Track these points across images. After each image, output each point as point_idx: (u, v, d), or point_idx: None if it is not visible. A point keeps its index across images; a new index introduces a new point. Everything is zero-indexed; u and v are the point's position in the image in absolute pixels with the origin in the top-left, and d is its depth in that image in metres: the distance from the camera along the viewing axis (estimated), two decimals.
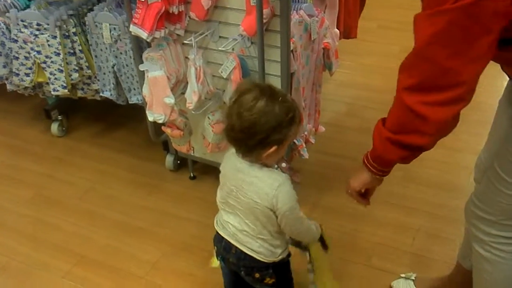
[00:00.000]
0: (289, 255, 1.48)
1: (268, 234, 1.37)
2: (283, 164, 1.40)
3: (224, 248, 1.44)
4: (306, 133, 2.08)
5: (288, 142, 1.30)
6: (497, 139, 1.30)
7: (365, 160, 1.22)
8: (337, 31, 2.14)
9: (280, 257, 1.42)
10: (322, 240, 1.50)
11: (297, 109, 1.29)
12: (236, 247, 1.40)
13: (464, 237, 1.59)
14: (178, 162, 2.41)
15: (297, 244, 1.53)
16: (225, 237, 1.43)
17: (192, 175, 2.36)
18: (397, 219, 2.07)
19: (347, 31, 2.63)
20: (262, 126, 1.21)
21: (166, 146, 2.37)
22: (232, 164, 1.35)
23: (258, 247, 1.38)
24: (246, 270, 1.44)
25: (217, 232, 1.47)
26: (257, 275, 1.44)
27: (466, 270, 1.59)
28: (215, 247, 1.50)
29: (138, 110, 2.42)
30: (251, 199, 1.31)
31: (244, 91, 1.26)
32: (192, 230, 2.07)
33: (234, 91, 1.32)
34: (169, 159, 2.39)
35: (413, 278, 1.73)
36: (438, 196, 2.18)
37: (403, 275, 1.76)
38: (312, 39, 1.87)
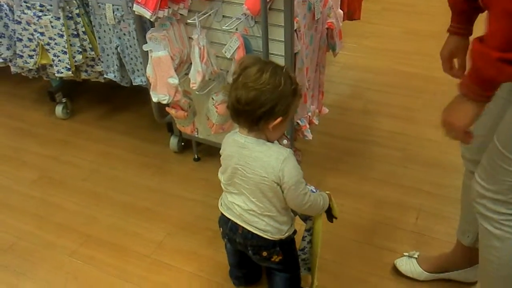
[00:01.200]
0: (294, 232, 1.50)
1: (275, 210, 1.38)
2: (284, 141, 1.41)
3: (230, 229, 1.46)
4: (309, 114, 2.09)
5: (291, 114, 1.33)
6: (493, 113, 1.27)
7: (467, 91, 1.09)
8: (341, 11, 2.13)
9: (287, 234, 1.44)
10: (329, 210, 1.50)
11: (298, 82, 1.33)
12: (243, 227, 1.42)
13: (461, 214, 1.60)
14: (183, 144, 2.42)
15: (303, 215, 1.54)
16: (231, 218, 1.44)
17: (196, 157, 2.38)
18: (398, 199, 2.09)
19: (351, 12, 2.62)
20: (268, 97, 1.25)
21: (170, 127, 2.38)
22: (235, 143, 1.36)
23: (265, 225, 1.40)
24: (253, 249, 1.46)
25: (222, 214, 1.48)
26: (264, 253, 1.46)
27: (465, 246, 1.61)
28: (221, 229, 1.52)
29: (142, 93, 2.43)
30: (258, 175, 1.32)
31: (248, 65, 1.29)
32: (196, 210, 2.09)
33: (237, 66, 1.34)
34: (173, 141, 2.40)
35: (416, 256, 1.75)
36: (438, 175, 2.20)
37: (406, 254, 1.77)
38: (316, 18, 1.87)
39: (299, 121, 2.01)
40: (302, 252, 1.61)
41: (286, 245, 1.47)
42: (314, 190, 1.45)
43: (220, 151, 1.44)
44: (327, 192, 1.49)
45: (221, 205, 1.49)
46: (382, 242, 1.89)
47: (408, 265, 1.74)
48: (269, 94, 1.24)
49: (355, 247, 1.88)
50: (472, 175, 1.34)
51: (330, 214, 1.52)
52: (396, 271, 1.76)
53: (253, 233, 1.41)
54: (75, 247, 1.95)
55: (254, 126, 1.30)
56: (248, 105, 1.26)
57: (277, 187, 1.33)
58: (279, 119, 1.28)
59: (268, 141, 1.34)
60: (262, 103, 1.25)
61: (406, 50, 3.21)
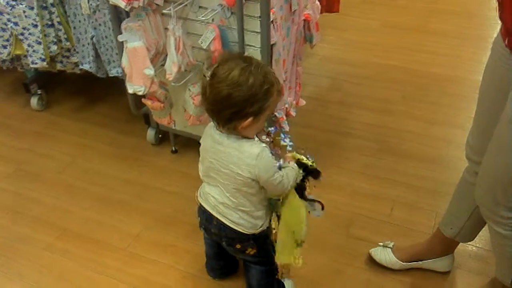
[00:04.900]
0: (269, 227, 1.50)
1: (250, 205, 1.38)
2: (263, 137, 1.39)
3: (206, 219, 1.46)
4: (286, 105, 2.09)
5: (265, 114, 1.28)
6: (492, 114, 1.30)
7: None
8: (318, 4, 2.14)
9: (261, 229, 1.45)
10: (314, 171, 1.47)
11: (276, 81, 1.27)
12: (217, 219, 1.42)
13: (450, 207, 1.64)
14: (160, 136, 2.40)
15: None
16: (207, 208, 1.45)
17: (173, 149, 2.36)
18: (374, 190, 2.11)
19: (330, 5, 2.63)
20: (234, 99, 1.20)
21: (147, 119, 2.36)
22: (211, 137, 1.35)
23: (238, 218, 1.40)
24: (227, 241, 1.47)
25: (200, 204, 1.48)
26: (238, 246, 1.46)
27: (445, 237, 1.65)
28: (199, 218, 1.52)
29: (119, 84, 2.40)
30: (231, 170, 1.32)
31: (220, 62, 1.25)
32: (173, 203, 2.08)
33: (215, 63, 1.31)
34: (151, 133, 2.38)
35: (390, 246, 1.77)
36: (415, 167, 2.22)
37: (381, 244, 1.80)
38: (293, 10, 1.87)
39: (276, 113, 2.01)
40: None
41: (260, 239, 1.47)
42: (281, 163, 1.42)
43: (200, 141, 1.43)
44: (290, 159, 1.44)
45: (200, 195, 1.49)
46: (358, 233, 1.91)
47: (383, 254, 1.76)
48: (235, 96, 1.20)
49: (331, 238, 1.90)
50: (477, 175, 1.37)
51: (313, 171, 1.48)
52: (371, 261, 1.78)
53: (226, 225, 1.41)
54: (51, 240, 1.93)
55: (226, 125, 1.28)
56: (216, 105, 1.23)
57: (253, 183, 1.32)
58: (249, 120, 1.24)
59: (245, 137, 1.31)
60: (230, 105, 1.21)
61: (385, 43, 3.23)
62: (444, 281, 1.73)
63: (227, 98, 1.21)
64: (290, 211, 1.46)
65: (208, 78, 1.26)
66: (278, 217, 1.53)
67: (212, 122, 1.37)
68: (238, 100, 1.21)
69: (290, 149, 1.47)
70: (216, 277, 1.73)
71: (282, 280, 1.67)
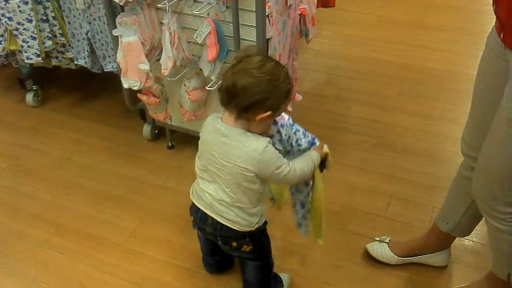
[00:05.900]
0: (265, 223, 1.50)
1: (247, 201, 1.38)
2: None
3: (200, 218, 1.45)
4: None
5: (278, 113, 1.33)
6: (487, 109, 1.30)
7: None
8: None
9: (256, 225, 1.44)
10: (323, 162, 1.48)
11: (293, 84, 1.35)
12: (212, 218, 1.41)
13: (446, 201, 1.64)
14: (156, 131, 2.39)
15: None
16: (201, 207, 1.44)
17: (170, 145, 2.35)
18: (371, 185, 2.10)
19: None
20: (265, 87, 1.24)
21: (143, 115, 2.35)
22: (215, 129, 1.34)
23: (234, 216, 1.39)
24: (223, 239, 1.46)
25: (193, 203, 1.47)
26: (234, 244, 1.46)
27: (441, 232, 1.65)
28: (192, 217, 1.51)
29: (114, 79, 2.39)
30: (234, 164, 1.31)
31: (252, 54, 1.30)
32: (169, 198, 2.08)
33: (240, 52, 1.36)
34: (146, 128, 2.37)
35: (387, 241, 1.77)
36: (412, 162, 2.22)
37: (377, 239, 1.80)
38: (288, 4, 1.86)
39: None
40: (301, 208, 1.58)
41: (256, 235, 1.47)
42: (312, 140, 1.45)
43: (200, 134, 1.42)
44: (325, 149, 1.47)
45: (192, 193, 1.48)
46: (354, 228, 1.91)
47: (379, 249, 1.76)
48: (267, 84, 1.24)
49: (328, 233, 1.88)
50: (472, 170, 1.37)
51: (322, 165, 1.49)
52: (367, 256, 1.78)
53: (222, 223, 1.40)
54: (47, 236, 1.93)
55: (243, 113, 1.29)
56: (244, 90, 1.25)
57: (255, 177, 1.32)
58: (268, 113, 1.27)
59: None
60: (258, 91, 1.24)
61: (381, 38, 3.22)
62: (441, 275, 1.74)
63: (258, 85, 1.24)
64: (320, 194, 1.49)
65: (236, 64, 1.28)
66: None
67: (213, 115, 1.38)
68: (267, 89, 1.25)
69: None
70: (212, 272, 1.73)
71: (279, 275, 1.67)
